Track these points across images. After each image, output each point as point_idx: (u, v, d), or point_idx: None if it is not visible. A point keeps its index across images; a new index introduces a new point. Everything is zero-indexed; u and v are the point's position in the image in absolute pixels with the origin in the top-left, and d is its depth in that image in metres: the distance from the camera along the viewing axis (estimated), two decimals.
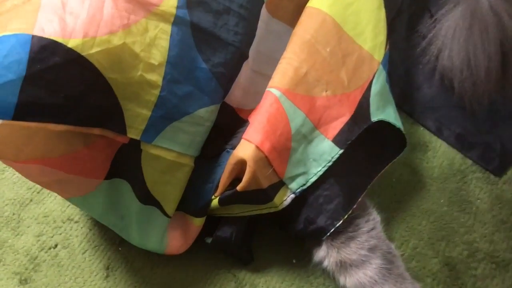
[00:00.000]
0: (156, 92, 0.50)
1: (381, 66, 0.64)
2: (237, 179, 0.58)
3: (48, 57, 0.43)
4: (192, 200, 0.61)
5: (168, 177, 0.55)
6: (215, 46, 0.53)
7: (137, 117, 0.50)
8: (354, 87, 0.62)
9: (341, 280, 0.60)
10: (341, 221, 0.59)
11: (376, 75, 0.64)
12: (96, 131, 0.49)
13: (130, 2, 0.48)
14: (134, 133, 0.50)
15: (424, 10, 0.81)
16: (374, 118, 0.62)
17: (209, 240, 0.64)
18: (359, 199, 0.60)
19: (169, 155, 0.53)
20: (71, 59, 0.44)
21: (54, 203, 0.71)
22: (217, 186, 0.59)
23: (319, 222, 0.59)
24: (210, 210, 0.61)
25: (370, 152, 0.63)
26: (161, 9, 0.49)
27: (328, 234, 0.59)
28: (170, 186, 0.56)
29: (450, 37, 0.74)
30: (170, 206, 0.58)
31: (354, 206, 0.60)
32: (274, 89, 0.58)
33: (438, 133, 0.75)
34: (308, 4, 0.63)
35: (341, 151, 0.59)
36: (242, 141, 0.56)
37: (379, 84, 0.64)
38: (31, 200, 0.72)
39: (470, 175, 0.72)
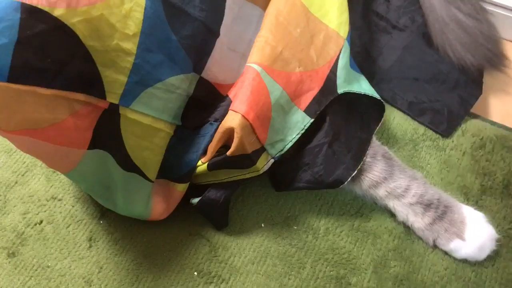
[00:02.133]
0: (131, 59, 0.55)
1: (346, 42, 0.72)
2: (223, 147, 0.65)
3: (37, 24, 0.48)
4: (175, 168, 0.67)
5: (146, 142, 0.61)
6: (184, 20, 0.59)
7: (115, 82, 0.55)
8: (322, 63, 0.70)
9: (357, 188, 0.71)
10: (355, 171, 0.68)
11: (342, 51, 0.71)
12: (80, 96, 0.54)
13: None
14: (112, 98, 0.56)
15: None
16: (340, 90, 0.70)
17: (195, 201, 0.69)
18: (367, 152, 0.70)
19: (145, 119, 0.59)
20: (56, 27, 0.49)
21: (38, 184, 0.76)
22: (202, 155, 0.65)
23: (337, 173, 0.68)
24: (197, 176, 0.67)
25: (362, 115, 0.73)
26: None
27: (345, 183, 0.68)
28: (149, 151, 0.62)
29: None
30: (151, 171, 0.64)
31: (364, 158, 0.69)
32: (255, 64, 0.64)
33: (393, 102, 0.83)
34: None
35: (312, 120, 0.67)
36: (230, 112, 0.63)
37: (345, 58, 0.71)
38: (16, 182, 0.77)
39: (421, 144, 0.80)
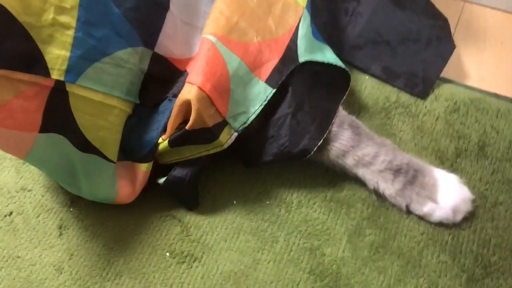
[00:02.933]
0: (71, 33, 0.54)
1: (305, 11, 0.70)
2: (183, 123, 0.63)
3: None
4: (137, 148, 0.65)
5: (101, 121, 0.60)
6: None
7: (58, 58, 0.54)
8: (281, 32, 0.68)
9: (325, 158, 0.69)
10: (321, 140, 0.66)
11: (301, 19, 0.70)
12: (22, 76, 0.53)
13: None
14: (57, 74, 0.54)
15: None
16: (301, 59, 0.68)
17: (161, 181, 0.68)
18: (333, 121, 0.68)
19: (95, 96, 0.58)
20: None
21: (7, 176, 0.75)
22: (163, 132, 0.64)
23: (303, 143, 0.67)
24: (160, 155, 0.66)
25: (328, 85, 0.72)
26: None
27: (312, 153, 0.66)
28: (105, 130, 0.61)
29: None
30: (110, 151, 0.63)
31: (330, 127, 0.68)
32: (210, 35, 0.63)
33: (366, 68, 0.82)
34: None
35: (274, 90, 0.66)
36: (185, 84, 0.62)
37: (305, 27, 0.70)
38: None
39: (393, 111, 0.78)
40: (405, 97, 0.80)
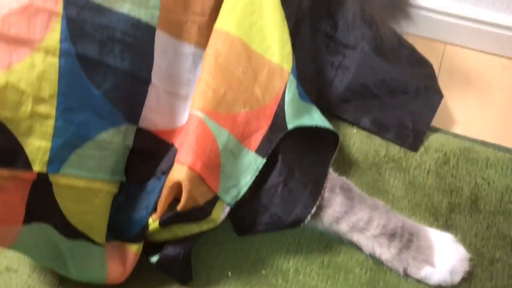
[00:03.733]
0: (51, 122, 0.52)
1: (291, 76, 0.69)
2: (174, 200, 0.61)
3: None
4: (125, 227, 0.63)
5: (87, 206, 0.58)
6: (105, 72, 0.56)
7: (39, 149, 0.52)
8: (268, 99, 0.67)
9: (318, 224, 0.68)
10: (314, 208, 0.65)
11: (287, 85, 0.69)
12: (2, 172, 0.51)
13: (9, 43, 0.50)
14: (39, 166, 0.53)
15: (323, 11, 0.87)
16: (290, 126, 0.66)
17: (154, 259, 0.66)
18: (324, 185, 0.67)
19: (79, 182, 0.56)
20: None
21: None
22: (153, 211, 0.62)
23: (295, 213, 0.66)
24: (152, 234, 0.64)
25: (317, 147, 0.71)
26: (44, 44, 0.52)
27: (306, 222, 0.66)
28: (91, 215, 0.59)
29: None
30: (98, 234, 0.61)
31: (322, 193, 0.66)
32: (198, 111, 0.62)
33: (356, 121, 0.82)
34: (216, 26, 0.67)
35: (264, 160, 0.65)
36: (175, 164, 0.60)
37: (291, 92, 0.69)
38: None
39: (384, 166, 0.78)
40: (394, 150, 0.79)
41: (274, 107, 0.67)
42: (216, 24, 0.68)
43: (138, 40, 0.59)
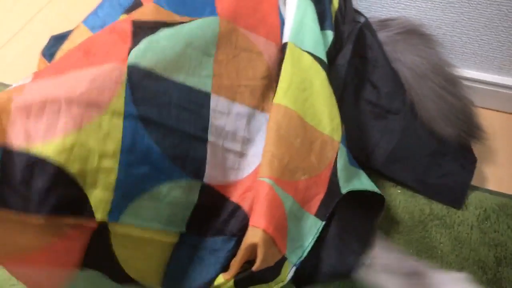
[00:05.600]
0: (114, 176, 0.59)
1: (341, 145, 0.77)
2: (246, 262, 0.66)
3: (14, 165, 0.54)
4: (187, 279, 0.68)
5: (140, 253, 0.63)
6: (164, 132, 0.63)
7: (101, 201, 0.58)
8: (323, 167, 0.74)
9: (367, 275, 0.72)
10: (366, 258, 0.71)
11: (338, 153, 0.76)
12: (69, 220, 0.57)
13: (81, 106, 0.58)
14: (101, 216, 0.58)
15: (365, 80, 0.95)
16: (343, 190, 0.73)
17: None
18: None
19: (134, 231, 0.62)
20: (33, 162, 0.54)
21: None
22: (220, 271, 0.67)
23: (349, 262, 0.71)
24: None
25: (366, 207, 0.77)
26: (111, 108, 0.60)
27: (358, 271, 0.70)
28: (144, 261, 0.64)
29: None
30: (151, 281, 0.66)
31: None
32: (267, 178, 0.68)
33: (403, 180, 0.89)
34: (275, 101, 0.75)
35: (324, 223, 0.71)
36: (250, 227, 0.65)
37: (342, 159, 0.76)
38: None
39: (430, 224, 0.84)
40: (437, 208, 0.85)
41: (328, 174, 0.74)
42: (275, 99, 0.76)
43: (193, 104, 0.67)
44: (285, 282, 0.68)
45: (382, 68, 0.93)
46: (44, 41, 0.95)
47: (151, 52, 0.64)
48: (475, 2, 0.91)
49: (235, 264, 0.66)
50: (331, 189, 0.73)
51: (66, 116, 0.57)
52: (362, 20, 0.93)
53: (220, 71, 0.71)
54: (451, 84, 0.92)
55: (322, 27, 0.84)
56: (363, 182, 0.77)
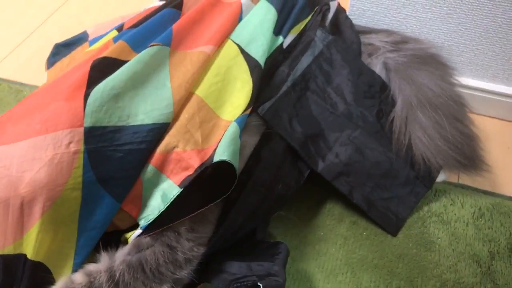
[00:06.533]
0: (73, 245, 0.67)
1: (233, 122, 0.74)
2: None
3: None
4: None
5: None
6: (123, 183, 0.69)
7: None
8: (207, 146, 0.72)
9: None
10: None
11: (226, 130, 0.73)
12: None
13: (37, 201, 0.62)
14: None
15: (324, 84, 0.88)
16: (216, 159, 0.68)
17: None
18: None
19: None
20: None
21: None
22: None
23: None
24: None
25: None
26: (68, 185, 0.64)
27: None
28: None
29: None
30: None
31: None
32: None
33: (350, 196, 0.86)
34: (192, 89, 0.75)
35: (181, 190, 0.67)
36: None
37: (229, 134, 0.72)
38: None
39: (428, 220, 0.89)
40: (435, 206, 0.91)
41: (210, 151, 0.71)
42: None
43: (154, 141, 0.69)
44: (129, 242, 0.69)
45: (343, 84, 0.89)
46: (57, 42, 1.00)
47: (105, 103, 0.67)
48: (471, 14, 0.97)
49: None
50: (206, 161, 0.70)
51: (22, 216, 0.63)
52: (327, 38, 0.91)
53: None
54: (458, 120, 0.91)
55: (278, 33, 0.88)
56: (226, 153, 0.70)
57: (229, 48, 0.82)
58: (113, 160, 0.67)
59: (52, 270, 0.65)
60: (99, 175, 0.65)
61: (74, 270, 0.66)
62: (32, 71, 1.24)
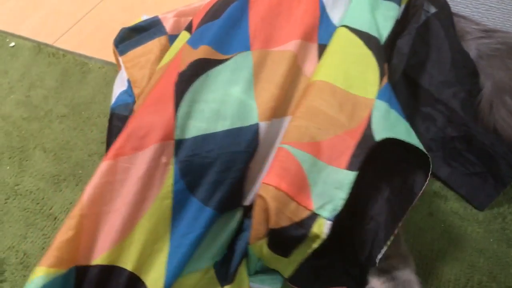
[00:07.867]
0: (165, 254, 0.71)
1: (377, 100, 0.74)
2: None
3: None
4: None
5: None
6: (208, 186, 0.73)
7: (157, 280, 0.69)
8: (355, 125, 0.72)
9: None
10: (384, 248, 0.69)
11: (374, 109, 0.73)
12: None
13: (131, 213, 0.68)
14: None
15: (421, 65, 0.92)
16: (378, 138, 0.68)
17: None
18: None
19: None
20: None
21: None
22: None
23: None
24: (269, 261, 0.73)
25: (401, 186, 0.73)
26: (160, 195, 0.70)
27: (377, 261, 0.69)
28: None
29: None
30: None
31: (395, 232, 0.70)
32: (283, 144, 0.70)
33: (435, 170, 0.87)
34: (312, 79, 0.77)
35: (356, 173, 0.67)
36: (261, 185, 0.67)
37: (379, 112, 0.72)
38: None
39: (509, 216, 0.86)
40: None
41: (361, 130, 0.71)
42: (312, 77, 0.78)
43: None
44: (322, 237, 0.66)
45: (442, 57, 0.91)
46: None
47: (195, 115, 0.73)
48: None
49: (253, 225, 0.69)
50: (363, 140, 0.70)
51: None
52: (432, 10, 0.93)
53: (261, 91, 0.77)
54: None
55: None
56: (399, 132, 0.71)
57: (338, 32, 0.84)
58: (202, 167, 0.71)
59: (143, 279, 0.69)
60: (188, 182, 0.71)
61: (166, 280, 0.68)
62: (96, 44, 1.24)
